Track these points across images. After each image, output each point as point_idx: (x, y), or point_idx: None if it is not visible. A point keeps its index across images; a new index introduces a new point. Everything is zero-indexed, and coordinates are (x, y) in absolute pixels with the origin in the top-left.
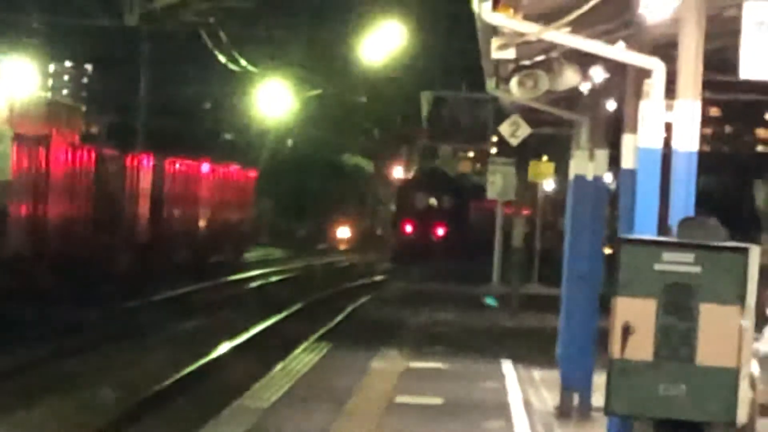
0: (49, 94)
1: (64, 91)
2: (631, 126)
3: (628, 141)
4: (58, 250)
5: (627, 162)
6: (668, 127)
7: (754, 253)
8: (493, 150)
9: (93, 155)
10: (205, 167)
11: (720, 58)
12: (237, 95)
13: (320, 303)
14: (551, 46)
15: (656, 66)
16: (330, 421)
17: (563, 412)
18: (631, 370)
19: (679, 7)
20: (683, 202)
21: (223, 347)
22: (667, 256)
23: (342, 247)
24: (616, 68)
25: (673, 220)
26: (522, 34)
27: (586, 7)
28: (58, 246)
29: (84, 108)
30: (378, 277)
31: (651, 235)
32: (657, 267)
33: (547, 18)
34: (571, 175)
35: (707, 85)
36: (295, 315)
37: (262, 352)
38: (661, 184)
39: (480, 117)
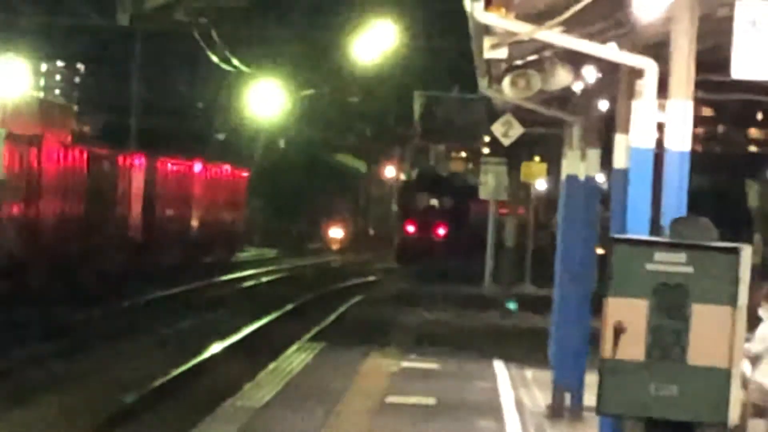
0: (41, 94)
1: (57, 91)
2: (623, 126)
3: (620, 141)
4: (50, 250)
5: (619, 162)
6: (660, 127)
7: (746, 253)
8: (486, 150)
9: (85, 155)
10: (198, 167)
11: (712, 58)
12: (229, 95)
13: (313, 303)
14: (543, 46)
15: (648, 66)
16: (322, 421)
17: (555, 411)
18: (622, 370)
19: (672, 7)
20: (675, 202)
21: (216, 347)
22: (659, 256)
23: (335, 247)
24: (609, 68)
25: (665, 220)
26: (514, 34)
27: (578, 7)
28: (49, 246)
29: (76, 108)
30: (371, 278)
31: (643, 235)
32: (649, 267)
33: (539, 17)
34: (563, 175)
35: (700, 84)
36: (287, 315)
37: (254, 352)
38: (653, 184)
39: (472, 117)
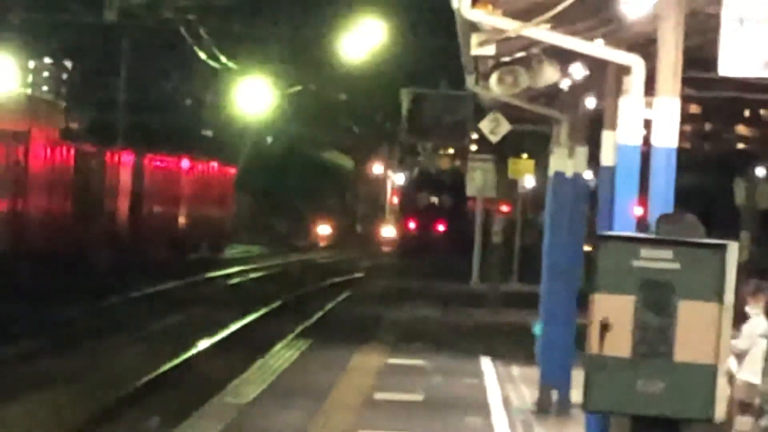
0: (28, 90)
1: (44, 88)
2: (610, 123)
3: (607, 138)
4: (37, 247)
5: (606, 159)
6: (648, 124)
7: (733, 249)
8: (473, 147)
9: (72, 151)
10: (185, 164)
11: (700, 55)
12: (217, 92)
13: (300, 299)
14: (531, 43)
15: (636, 63)
16: (309, 417)
17: (542, 408)
18: (609, 366)
19: (659, 4)
20: (662, 198)
21: (203, 344)
22: (645, 252)
23: (322, 244)
24: (596, 65)
25: (652, 217)
26: (501, 31)
27: (565, 4)
28: (36, 242)
29: (64, 104)
30: (358, 274)
31: (629, 232)
32: (635, 263)
33: (526, 14)
34: (551, 172)
35: (687, 82)
36: (274, 312)
37: (241, 348)
38: (640, 181)
39: (460, 114)
